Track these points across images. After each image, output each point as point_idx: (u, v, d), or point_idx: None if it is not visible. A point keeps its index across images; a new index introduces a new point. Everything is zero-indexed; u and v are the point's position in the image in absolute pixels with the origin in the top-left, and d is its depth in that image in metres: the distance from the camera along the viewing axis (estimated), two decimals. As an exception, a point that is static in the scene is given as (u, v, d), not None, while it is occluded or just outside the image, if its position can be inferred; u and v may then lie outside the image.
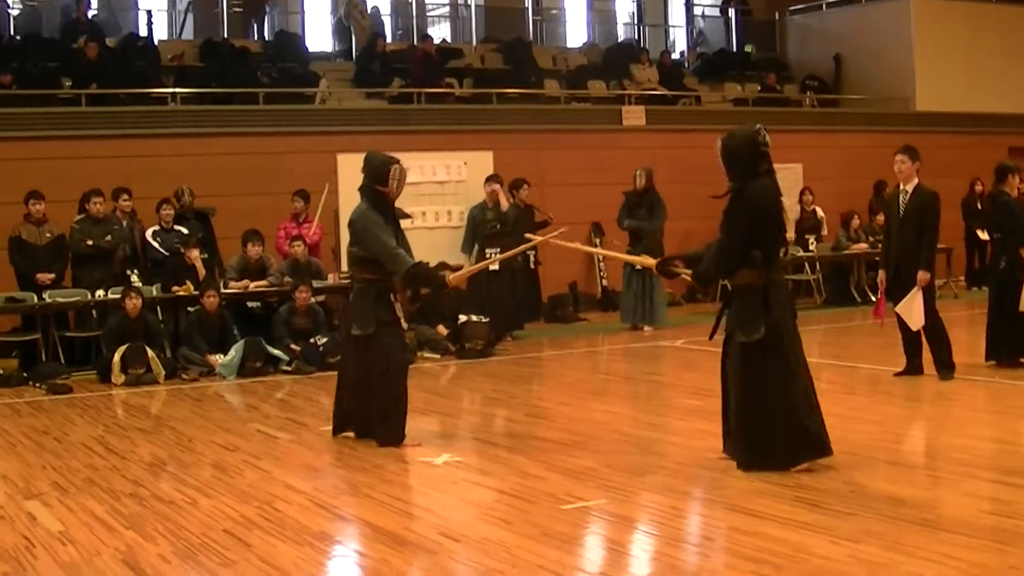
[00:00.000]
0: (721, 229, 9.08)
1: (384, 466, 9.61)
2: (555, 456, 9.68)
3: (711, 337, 9.31)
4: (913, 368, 13.00)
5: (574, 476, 8.94)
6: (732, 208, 8.93)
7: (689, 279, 9.73)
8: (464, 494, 8.73)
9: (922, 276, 12.56)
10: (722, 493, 8.14)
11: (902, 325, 12.89)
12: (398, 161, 10.30)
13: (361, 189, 10.44)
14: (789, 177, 23.60)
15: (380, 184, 10.23)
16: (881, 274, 13.21)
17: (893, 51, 26.80)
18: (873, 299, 15.08)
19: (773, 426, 8.69)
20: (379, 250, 10.13)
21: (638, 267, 17.75)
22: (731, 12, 30.03)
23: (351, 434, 10.63)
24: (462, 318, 16.78)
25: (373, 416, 10.35)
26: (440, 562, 6.88)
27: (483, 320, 16.86)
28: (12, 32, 22.79)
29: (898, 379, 12.95)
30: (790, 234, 20.77)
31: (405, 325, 10.57)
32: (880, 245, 14.88)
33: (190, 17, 25.36)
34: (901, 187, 12.89)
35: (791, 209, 22.75)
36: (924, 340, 12.91)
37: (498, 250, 16.96)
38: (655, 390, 13.92)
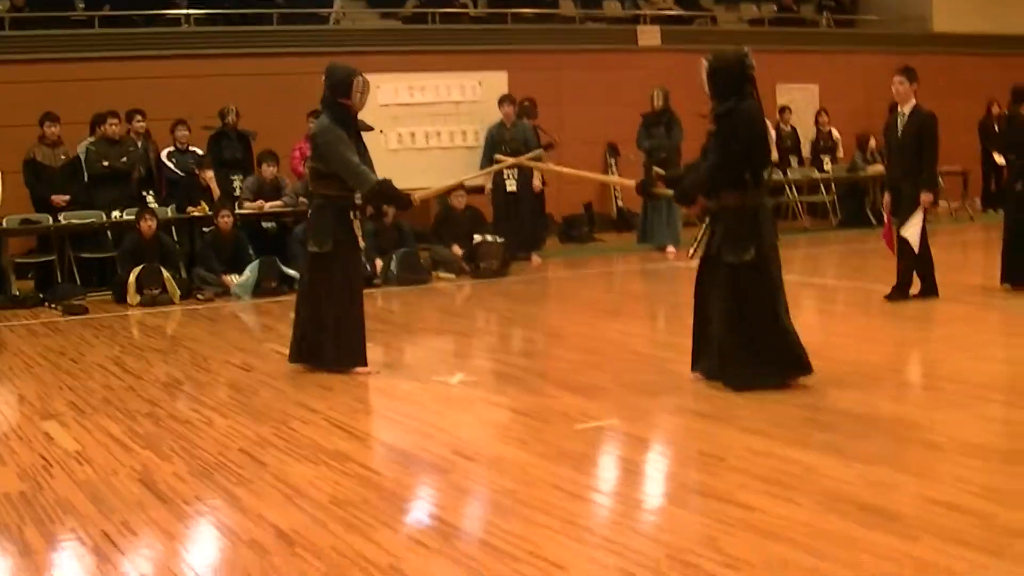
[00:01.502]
0: (709, 149, 9.08)
1: (398, 385, 9.65)
2: (569, 376, 9.71)
3: (691, 257, 9.32)
4: (928, 289, 12.98)
5: (588, 396, 8.97)
6: (723, 129, 8.93)
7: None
8: (478, 413, 8.76)
9: (924, 197, 12.52)
10: (735, 413, 8.16)
11: (905, 247, 12.86)
12: (361, 73, 10.04)
13: (323, 102, 10.18)
14: (805, 98, 23.62)
15: (343, 96, 9.96)
16: (886, 196, 13.19)
17: (911, -30, 26.61)
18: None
19: (762, 346, 8.78)
20: (342, 167, 9.87)
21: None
22: (747, -70, 29.79)
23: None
24: (477, 238, 16.78)
25: (328, 336, 10.09)
26: (454, 481, 6.92)
27: (498, 240, 16.86)
28: (25, -47, 22.71)
29: (913, 301, 12.92)
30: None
31: (362, 244, 10.40)
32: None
33: (204, -64, 25.23)
34: (899, 109, 12.85)
35: (809, 130, 22.76)
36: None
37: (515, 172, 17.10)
38: (670, 310, 13.91)
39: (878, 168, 21.74)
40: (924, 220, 12.69)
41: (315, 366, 10.20)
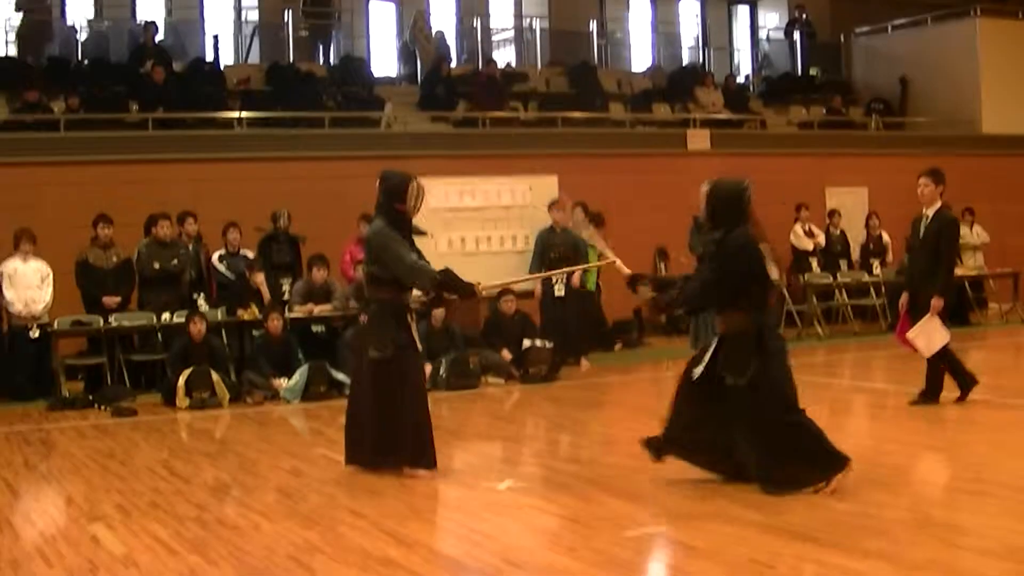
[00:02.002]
0: (702, 267, 9.23)
1: (447, 491, 9.63)
2: (618, 482, 9.66)
3: (695, 378, 9.31)
4: (965, 384, 12.83)
5: (637, 502, 8.93)
6: (713, 255, 9.11)
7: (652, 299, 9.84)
8: (527, 520, 8.71)
9: (935, 303, 12.43)
10: (785, 519, 8.09)
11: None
12: (416, 178, 10.15)
13: (377, 207, 10.25)
14: (854, 201, 23.61)
15: (398, 202, 10.04)
16: (904, 297, 13.08)
17: (959, 73, 26.67)
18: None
19: (786, 456, 8.84)
20: (400, 266, 9.90)
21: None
22: (796, 35, 29.89)
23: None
24: (526, 343, 16.78)
25: (397, 439, 10.05)
26: (502, 589, 6.88)
27: (547, 345, 16.86)
28: (80, 56, 23.04)
29: (959, 405, 12.79)
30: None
31: (420, 347, 10.43)
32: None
33: (256, 41, 25.49)
34: (924, 211, 12.83)
35: (859, 233, 22.69)
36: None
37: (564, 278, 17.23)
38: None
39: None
40: (942, 323, 12.59)
41: (379, 465, 10.14)
